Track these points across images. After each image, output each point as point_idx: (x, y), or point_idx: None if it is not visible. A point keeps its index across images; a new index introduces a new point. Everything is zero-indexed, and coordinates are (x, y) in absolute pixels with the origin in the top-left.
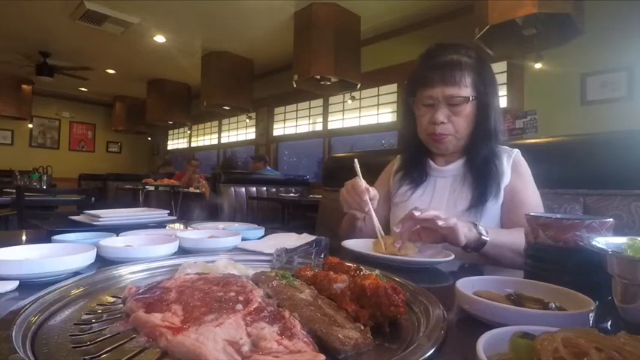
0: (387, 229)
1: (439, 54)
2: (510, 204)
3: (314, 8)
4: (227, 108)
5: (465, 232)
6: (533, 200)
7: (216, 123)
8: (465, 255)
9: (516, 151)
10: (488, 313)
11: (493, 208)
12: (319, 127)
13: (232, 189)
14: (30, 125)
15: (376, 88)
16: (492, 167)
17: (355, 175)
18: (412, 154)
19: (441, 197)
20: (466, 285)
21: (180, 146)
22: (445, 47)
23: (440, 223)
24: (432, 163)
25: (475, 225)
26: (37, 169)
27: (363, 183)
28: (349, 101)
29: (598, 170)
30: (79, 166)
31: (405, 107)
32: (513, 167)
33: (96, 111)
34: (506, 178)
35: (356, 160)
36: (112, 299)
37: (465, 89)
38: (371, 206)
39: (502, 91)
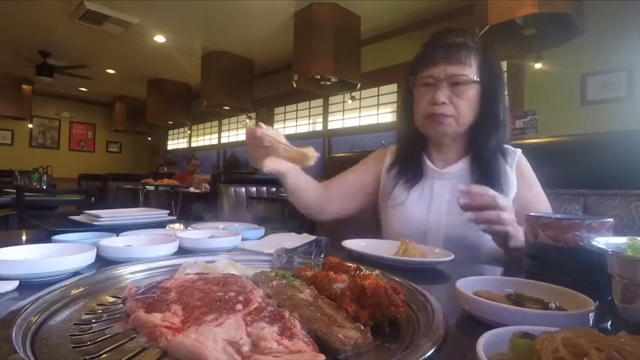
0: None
1: (444, 36)
2: (521, 214)
3: (314, 8)
4: (227, 108)
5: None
6: (542, 208)
7: (216, 123)
8: (465, 256)
9: (519, 151)
10: (488, 313)
11: None
12: (319, 127)
13: (232, 189)
14: (30, 125)
15: (376, 88)
16: (500, 166)
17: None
18: (408, 147)
19: (440, 200)
20: (466, 285)
21: (180, 146)
22: (451, 30)
23: (498, 228)
24: (428, 162)
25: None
26: (37, 169)
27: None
28: (349, 101)
29: (598, 170)
30: (79, 166)
31: (404, 94)
32: (518, 174)
33: (96, 111)
34: (514, 187)
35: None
36: (112, 299)
37: (470, 69)
38: (271, 134)
39: None
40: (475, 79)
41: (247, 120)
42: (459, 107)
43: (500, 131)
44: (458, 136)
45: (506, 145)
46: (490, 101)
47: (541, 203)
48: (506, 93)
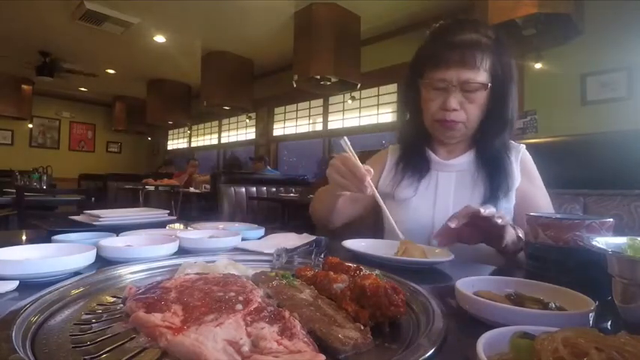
0: (374, 225)
1: (456, 32)
2: (522, 208)
3: (314, 8)
4: (227, 108)
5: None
6: (543, 203)
7: (216, 123)
8: (465, 255)
9: (522, 147)
10: (488, 313)
11: (504, 207)
12: (319, 127)
13: (232, 189)
14: (30, 125)
15: (376, 88)
16: (505, 160)
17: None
18: (413, 142)
19: (445, 194)
20: (466, 285)
21: (180, 146)
22: (462, 25)
23: (498, 221)
24: (432, 155)
25: (512, 225)
26: (37, 169)
27: (358, 162)
28: (349, 101)
29: (598, 170)
30: (79, 166)
31: (406, 88)
32: (522, 168)
33: (96, 111)
34: (517, 180)
35: (345, 138)
36: (112, 299)
37: (484, 74)
38: (376, 190)
39: None
40: (488, 83)
41: (247, 120)
42: (470, 112)
43: (507, 129)
44: (465, 138)
45: (510, 141)
46: (499, 101)
47: (542, 200)
48: (515, 89)
